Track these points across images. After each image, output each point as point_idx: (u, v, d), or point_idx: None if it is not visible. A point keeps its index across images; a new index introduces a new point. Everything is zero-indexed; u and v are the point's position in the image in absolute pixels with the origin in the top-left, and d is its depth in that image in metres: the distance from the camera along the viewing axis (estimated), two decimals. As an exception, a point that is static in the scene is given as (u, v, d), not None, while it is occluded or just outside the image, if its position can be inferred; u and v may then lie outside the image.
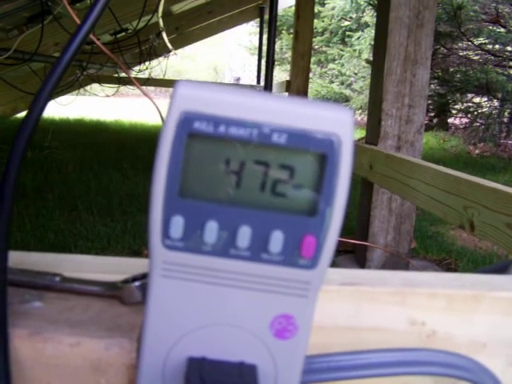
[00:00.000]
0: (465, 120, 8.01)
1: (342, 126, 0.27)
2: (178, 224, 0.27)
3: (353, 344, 0.40)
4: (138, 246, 2.61)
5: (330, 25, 10.95)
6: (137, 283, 0.37)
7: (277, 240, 0.28)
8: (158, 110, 0.99)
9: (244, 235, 0.28)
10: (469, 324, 0.42)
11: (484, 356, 0.42)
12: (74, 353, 0.32)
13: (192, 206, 0.27)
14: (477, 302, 0.41)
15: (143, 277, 0.37)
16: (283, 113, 0.27)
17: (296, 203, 0.27)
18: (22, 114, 7.03)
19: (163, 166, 0.26)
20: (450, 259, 2.71)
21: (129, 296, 0.37)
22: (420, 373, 0.39)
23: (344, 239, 2.05)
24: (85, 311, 0.35)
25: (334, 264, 2.49)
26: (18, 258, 0.40)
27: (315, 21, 8.93)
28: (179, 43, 6.76)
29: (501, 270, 0.51)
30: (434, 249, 2.83)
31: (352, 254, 2.63)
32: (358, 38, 9.79)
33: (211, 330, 0.29)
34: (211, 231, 0.27)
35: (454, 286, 0.43)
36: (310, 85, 5.16)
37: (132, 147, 5.69)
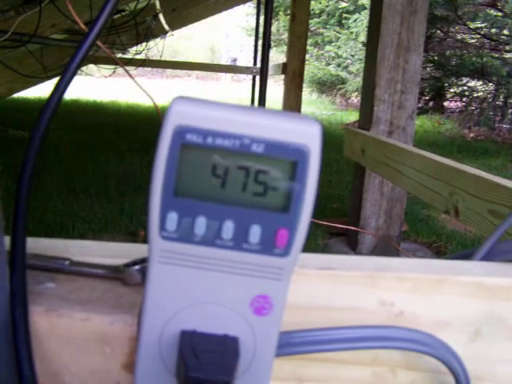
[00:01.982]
0: (460, 104, 8.03)
1: (311, 137, 0.32)
2: (172, 219, 0.32)
3: (328, 322, 0.44)
4: (134, 228, 2.65)
5: (327, 6, 10.88)
6: (137, 267, 0.42)
7: (255, 232, 0.33)
8: (148, 95, 1.03)
9: (228, 228, 0.33)
10: (434, 305, 0.45)
11: (447, 333, 0.45)
12: (84, 327, 0.37)
13: (185, 203, 0.32)
14: (441, 285, 0.45)
15: (142, 261, 0.42)
16: (261, 126, 0.32)
17: (271, 202, 0.33)
18: (19, 94, 7.03)
19: (160, 170, 0.31)
20: (440, 242, 2.76)
21: (130, 278, 0.42)
22: (387, 347, 0.43)
23: (334, 224, 2.10)
24: (92, 291, 0.40)
25: (326, 246, 2.54)
26: (28, 244, 0.45)
27: (312, 2, 8.90)
28: (176, 24, 6.73)
29: (466, 256, 0.56)
30: (424, 232, 2.88)
31: (344, 236, 2.69)
32: (355, 20, 9.75)
33: (200, 308, 0.35)
34: (200, 225, 0.33)
35: (421, 270, 0.46)
36: (306, 67, 5.17)
37: (129, 128, 5.71)
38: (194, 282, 0.34)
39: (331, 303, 0.44)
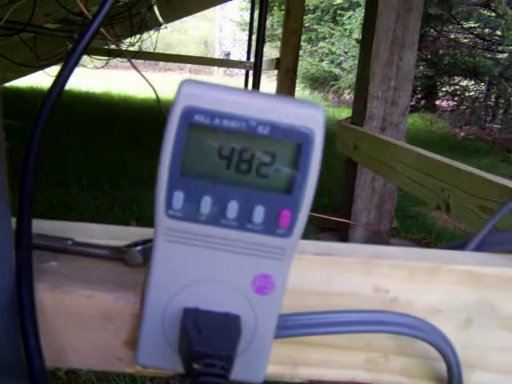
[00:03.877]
0: (452, 103, 8.05)
1: (316, 121, 0.33)
2: (178, 198, 0.33)
3: (323, 306, 0.45)
4: (126, 219, 2.65)
5: (321, 3, 10.86)
6: (139, 248, 0.43)
7: (259, 213, 0.34)
8: (152, 86, 1.04)
9: (232, 208, 0.34)
10: (427, 292, 0.46)
11: (439, 320, 0.46)
12: (88, 303, 0.38)
13: (191, 183, 0.33)
14: (434, 273, 0.46)
15: (144, 242, 0.43)
16: (267, 109, 0.32)
17: (275, 183, 0.34)
18: (10, 84, 6.98)
19: (168, 150, 0.32)
20: (429, 239, 2.77)
21: (131, 259, 0.43)
22: (381, 331, 0.44)
23: (326, 216, 2.11)
24: (95, 270, 0.41)
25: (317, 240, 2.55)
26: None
27: (307, -2, 8.87)
28: (170, 17, 6.70)
29: (459, 246, 0.57)
30: (414, 229, 2.89)
31: (335, 231, 2.70)
32: (350, 17, 9.75)
33: (203, 286, 0.35)
34: (206, 204, 0.33)
35: (415, 258, 0.47)
36: (299, 62, 5.17)
37: (121, 120, 5.69)
38: (197, 261, 0.35)
39: (327, 288, 0.45)
